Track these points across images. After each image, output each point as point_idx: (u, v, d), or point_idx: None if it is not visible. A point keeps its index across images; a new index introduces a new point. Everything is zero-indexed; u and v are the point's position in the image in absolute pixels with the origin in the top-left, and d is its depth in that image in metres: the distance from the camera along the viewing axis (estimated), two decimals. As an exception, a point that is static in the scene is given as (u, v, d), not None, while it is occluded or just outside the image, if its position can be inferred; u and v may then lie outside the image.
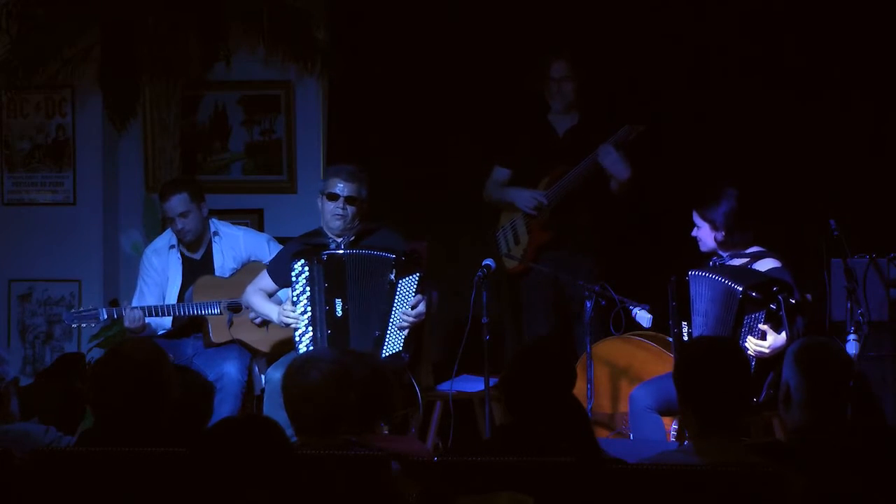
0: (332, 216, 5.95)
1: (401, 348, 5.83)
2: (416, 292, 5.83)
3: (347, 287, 5.82)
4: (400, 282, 5.80)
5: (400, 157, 7.32)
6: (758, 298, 5.46)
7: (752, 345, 5.45)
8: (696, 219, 5.76)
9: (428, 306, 5.91)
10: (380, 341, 5.81)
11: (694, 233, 5.79)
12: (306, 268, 5.83)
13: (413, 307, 5.82)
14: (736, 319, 5.50)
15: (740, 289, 5.48)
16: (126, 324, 6.25)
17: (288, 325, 5.85)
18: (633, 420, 5.66)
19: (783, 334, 5.42)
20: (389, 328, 5.82)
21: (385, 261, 5.83)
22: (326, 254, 5.85)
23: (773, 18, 6.90)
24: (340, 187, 5.95)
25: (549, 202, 6.59)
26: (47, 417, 5.32)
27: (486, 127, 7.12)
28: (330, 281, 5.81)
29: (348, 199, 5.94)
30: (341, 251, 5.88)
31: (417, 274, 5.82)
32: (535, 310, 6.75)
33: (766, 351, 5.43)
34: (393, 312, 5.81)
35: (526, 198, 6.64)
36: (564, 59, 6.68)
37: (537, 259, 6.64)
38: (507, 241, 6.78)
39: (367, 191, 6.01)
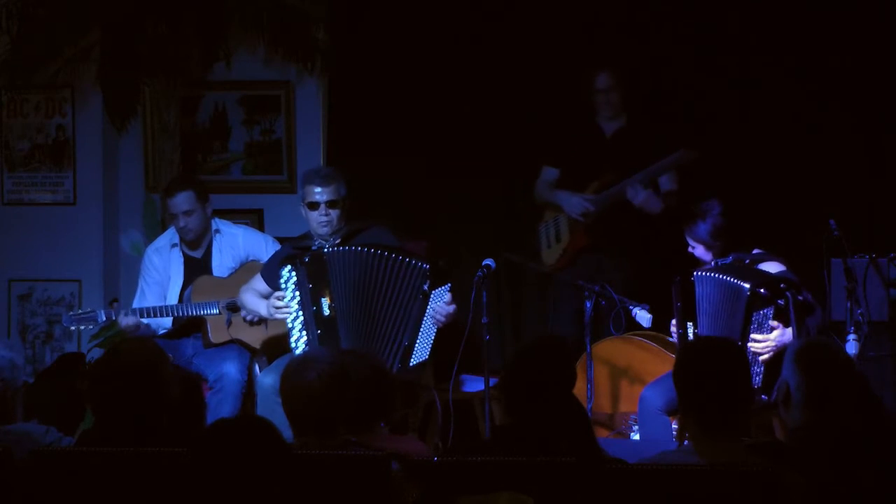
0: (318, 224, 5.91)
1: (426, 357, 5.81)
2: (449, 302, 5.80)
3: (332, 285, 5.76)
4: (433, 292, 5.77)
5: (400, 157, 7.32)
6: (766, 295, 5.47)
7: (757, 343, 5.46)
8: (688, 239, 5.78)
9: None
10: (409, 350, 5.76)
11: (690, 250, 5.81)
12: (293, 272, 5.79)
13: (445, 314, 5.77)
14: (745, 318, 5.51)
15: (747, 286, 5.50)
16: (123, 325, 6.25)
17: (279, 316, 5.82)
18: (642, 420, 5.66)
19: (790, 331, 5.43)
20: (420, 337, 5.78)
21: (417, 269, 5.76)
22: (308, 255, 5.81)
23: (773, 19, 6.91)
24: (318, 193, 5.90)
25: (596, 209, 6.59)
26: (47, 417, 5.32)
27: (487, 130, 7.13)
28: (314, 281, 5.76)
29: (329, 204, 5.91)
30: (324, 250, 5.82)
31: (448, 286, 5.79)
32: (562, 314, 6.73)
33: (772, 344, 5.44)
34: (424, 321, 5.78)
35: (574, 204, 6.65)
36: (608, 71, 6.71)
37: (574, 261, 6.64)
38: (549, 237, 6.81)
39: (347, 188, 5.96)
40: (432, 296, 5.76)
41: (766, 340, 5.46)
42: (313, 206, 5.91)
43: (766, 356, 5.47)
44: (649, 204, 6.51)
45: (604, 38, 7.04)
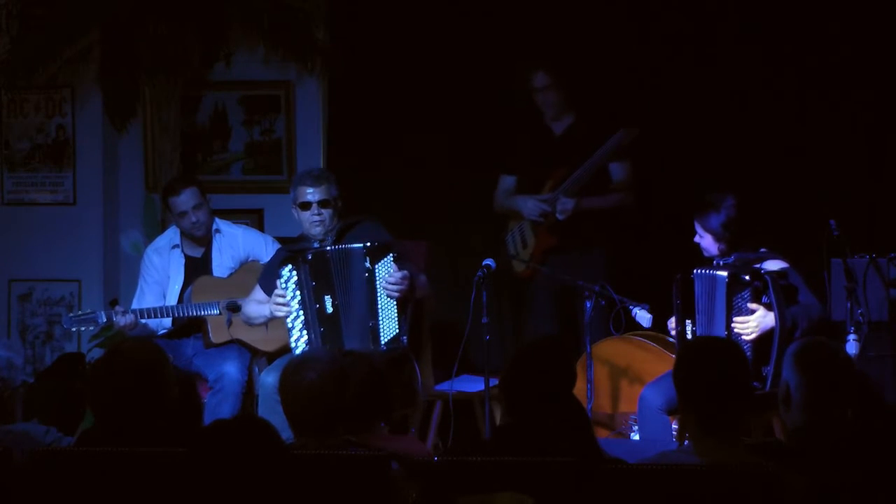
0: (311, 224, 5.93)
1: (397, 331, 5.81)
2: (398, 271, 5.81)
3: (335, 282, 5.81)
4: (376, 267, 5.79)
5: (400, 157, 7.32)
6: (744, 279, 5.50)
7: (738, 323, 5.48)
8: (698, 228, 5.78)
9: (412, 282, 5.87)
10: (375, 331, 5.79)
11: (697, 240, 5.80)
12: (294, 272, 5.81)
13: (394, 282, 5.78)
14: (727, 303, 5.54)
15: (726, 273, 5.55)
16: (120, 323, 6.25)
17: (279, 314, 5.84)
18: (641, 420, 5.66)
19: (772, 315, 5.45)
20: (380, 315, 5.81)
21: (356, 251, 5.81)
22: (311, 252, 5.83)
23: (774, 18, 6.90)
24: (311, 193, 5.92)
25: (552, 208, 6.60)
26: (47, 417, 5.33)
27: (486, 130, 7.13)
28: (317, 279, 5.79)
29: (321, 203, 5.92)
30: (326, 248, 5.86)
31: (391, 255, 5.81)
32: (541, 313, 6.75)
33: (753, 325, 5.46)
34: (379, 299, 5.80)
35: (531, 207, 6.66)
36: (544, 69, 6.69)
37: (544, 262, 6.65)
38: (516, 245, 6.81)
39: (337, 188, 5.99)
40: (376, 271, 5.78)
41: (748, 322, 5.49)
42: (305, 205, 5.93)
43: (749, 336, 5.48)
44: (584, 205, 6.55)
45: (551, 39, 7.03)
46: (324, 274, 5.80)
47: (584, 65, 6.87)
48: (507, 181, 6.85)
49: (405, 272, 5.80)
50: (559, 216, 6.59)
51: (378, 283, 5.78)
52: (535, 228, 6.72)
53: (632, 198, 6.69)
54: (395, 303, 5.80)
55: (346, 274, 5.82)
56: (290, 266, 5.82)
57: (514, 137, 6.88)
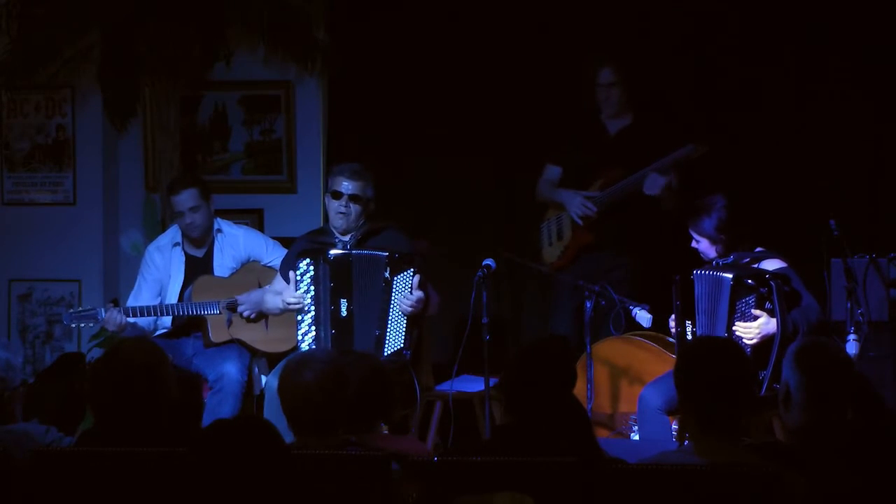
0: (336, 214, 5.98)
1: (402, 345, 5.83)
2: (415, 288, 5.82)
3: (353, 287, 5.83)
4: (395, 279, 5.81)
5: (400, 157, 7.32)
6: (749, 284, 5.50)
7: (741, 328, 5.48)
8: (693, 233, 5.78)
9: (426, 303, 5.89)
10: (381, 340, 5.81)
11: (694, 245, 5.80)
12: (311, 266, 5.84)
13: (409, 303, 5.79)
14: (730, 307, 5.53)
15: (730, 275, 5.53)
16: (109, 328, 6.26)
17: (292, 307, 5.85)
18: (641, 420, 5.66)
19: (774, 322, 5.44)
20: (389, 326, 5.82)
21: (378, 259, 5.83)
22: (333, 254, 5.85)
23: (775, 18, 6.90)
24: (345, 185, 5.97)
25: (598, 208, 6.59)
26: (47, 417, 5.32)
27: (487, 130, 7.13)
28: (336, 281, 5.82)
29: (352, 198, 5.96)
30: (347, 251, 5.88)
31: (411, 270, 5.82)
32: (563, 310, 6.73)
33: (755, 332, 5.45)
34: (391, 310, 5.81)
35: (576, 204, 6.64)
36: (611, 66, 6.68)
37: (575, 259, 6.64)
38: (550, 235, 6.81)
39: (373, 190, 6.02)
40: (394, 283, 5.80)
41: (750, 328, 5.48)
42: (336, 195, 5.97)
43: (751, 342, 5.47)
44: (654, 188, 6.51)
45: (609, 36, 7.02)
46: (343, 277, 5.83)
47: (651, 69, 6.86)
48: (553, 171, 6.83)
49: (422, 294, 5.82)
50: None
51: (393, 294, 5.80)
52: (574, 224, 6.71)
53: (677, 204, 6.62)
54: (405, 318, 5.81)
55: (364, 279, 5.83)
56: (308, 259, 5.85)
57: (567, 129, 6.86)
